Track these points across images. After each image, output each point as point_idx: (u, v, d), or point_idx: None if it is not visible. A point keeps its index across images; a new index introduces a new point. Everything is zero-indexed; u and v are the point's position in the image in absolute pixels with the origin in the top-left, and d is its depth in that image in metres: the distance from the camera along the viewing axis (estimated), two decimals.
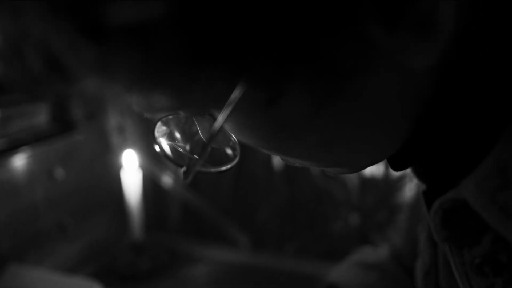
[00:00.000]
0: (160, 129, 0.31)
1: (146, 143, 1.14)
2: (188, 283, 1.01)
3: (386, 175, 1.23)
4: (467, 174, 0.30)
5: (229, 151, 0.33)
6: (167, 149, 0.31)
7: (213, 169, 0.31)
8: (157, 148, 0.30)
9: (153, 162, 1.16)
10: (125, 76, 0.23)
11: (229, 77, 0.23)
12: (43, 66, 0.23)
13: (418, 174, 0.38)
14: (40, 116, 0.97)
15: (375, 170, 1.25)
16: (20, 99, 0.92)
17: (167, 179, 1.18)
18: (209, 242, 1.15)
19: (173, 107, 0.26)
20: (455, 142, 0.31)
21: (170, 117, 0.32)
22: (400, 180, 1.21)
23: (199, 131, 0.32)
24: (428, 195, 0.37)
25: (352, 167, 0.35)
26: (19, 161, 0.88)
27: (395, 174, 1.22)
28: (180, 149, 0.32)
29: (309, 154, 0.31)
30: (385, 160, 0.34)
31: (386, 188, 1.23)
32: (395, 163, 0.34)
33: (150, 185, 1.17)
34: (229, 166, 0.31)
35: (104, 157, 1.11)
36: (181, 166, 0.29)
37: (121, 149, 1.08)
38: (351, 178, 1.22)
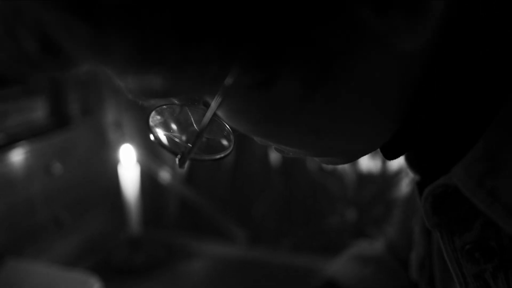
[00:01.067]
0: (154, 118, 0.32)
1: (144, 138, 1.14)
2: (184, 278, 1.01)
3: (383, 170, 1.23)
4: (458, 160, 0.30)
5: (224, 141, 0.33)
6: (161, 138, 0.31)
7: (207, 157, 0.31)
8: (151, 137, 0.30)
9: (150, 157, 1.16)
10: (120, 56, 0.23)
11: (222, 59, 0.24)
12: (37, 47, 0.23)
13: (411, 164, 0.38)
14: (38, 111, 0.97)
15: (371, 165, 1.25)
16: (18, 94, 0.93)
17: (164, 175, 1.18)
18: (205, 237, 1.15)
19: (167, 90, 0.26)
20: (447, 128, 0.31)
21: (165, 107, 0.32)
22: (397, 175, 1.21)
23: (193, 122, 0.33)
24: (421, 185, 0.37)
25: (346, 156, 0.35)
26: (17, 156, 0.88)
27: (392, 169, 1.23)
28: (175, 139, 0.32)
29: (301, 141, 0.31)
30: (379, 150, 0.35)
31: (383, 183, 1.23)
32: (388, 152, 0.34)
33: (148, 180, 1.18)
34: (223, 155, 0.32)
35: (101, 152, 1.12)
36: (176, 154, 0.29)
37: (118, 145, 1.08)
38: (348, 173, 1.23)
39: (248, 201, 1.20)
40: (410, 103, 0.30)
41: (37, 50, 0.23)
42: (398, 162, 1.25)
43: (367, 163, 1.26)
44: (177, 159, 0.29)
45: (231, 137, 0.33)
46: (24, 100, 0.94)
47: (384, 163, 1.24)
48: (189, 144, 0.30)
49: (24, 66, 0.25)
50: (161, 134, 0.32)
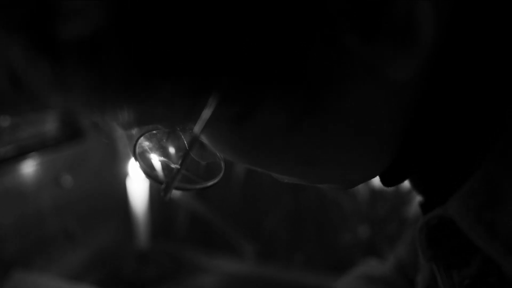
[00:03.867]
0: (143, 144, 0.31)
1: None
2: None
3: (396, 187, 1.21)
4: (455, 190, 0.29)
5: (221, 164, 0.32)
6: (151, 164, 0.31)
7: (191, 186, 0.30)
8: (137, 164, 0.29)
9: None
10: (81, 93, 0.23)
11: (193, 93, 0.22)
12: (6, 81, 0.23)
13: (415, 185, 0.36)
14: (49, 123, 0.97)
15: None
16: (29, 107, 0.93)
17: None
18: (215, 252, 1.14)
19: (138, 123, 0.25)
20: (443, 158, 0.29)
21: (154, 132, 0.31)
22: (411, 192, 1.19)
23: (184, 146, 0.32)
24: (425, 207, 0.36)
25: (342, 184, 0.34)
26: (27, 168, 0.89)
27: (406, 186, 1.20)
28: (168, 164, 0.31)
29: (292, 171, 0.30)
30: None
31: (396, 200, 1.21)
32: (386, 179, 0.33)
33: (157, 193, 1.17)
34: (210, 183, 0.30)
35: (112, 165, 1.12)
36: (160, 183, 0.28)
37: (129, 157, 1.08)
38: (361, 189, 1.21)
39: (259, 215, 1.19)
40: (406, 129, 0.28)
41: (7, 84, 0.23)
42: None
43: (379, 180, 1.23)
44: (161, 189, 0.28)
45: (221, 163, 0.32)
46: (36, 112, 0.95)
47: None
48: (177, 168, 0.28)
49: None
50: (155, 159, 0.31)
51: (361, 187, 1.20)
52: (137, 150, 0.30)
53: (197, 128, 0.24)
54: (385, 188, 1.22)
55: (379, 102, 0.26)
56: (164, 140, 0.31)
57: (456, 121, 0.28)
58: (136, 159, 0.30)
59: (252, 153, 0.27)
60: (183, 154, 0.26)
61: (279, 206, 1.17)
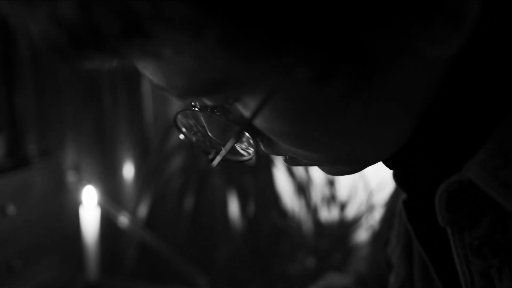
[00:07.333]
0: (181, 121, 0.32)
1: (104, 181, 1.12)
2: None
3: (341, 219, 1.26)
4: (470, 157, 0.32)
5: (243, 147, 0.34)
6: (196, 137, 0.32)
7: (241, 158, 0.32)
8: (181, 136, 0.30)
9: (110, 200, 1.13)
10: (213, 35, 0.23)
11: (294, 55, 0.25)
12: (117, 28, 0.23)
13: (400, 181, 0.40)
14: None
15: (328, 216, 1.28)
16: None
17: (123, 219, 1.14)
18: (167, 284, 1.11)
19: (233, 82, 0.26)
20: (460, 129, 0.33)
21: (188, 112, 0.33)
22: (354, 223, 1.24)
23: (207, 128, 0.33)
24: (408, 204, 0.39)
25: (358, 165, 0.36)
26: None
27: (349, 218, 1.26)
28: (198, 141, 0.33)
29: (327, 144, 0.32)
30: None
31: (340, 231, 1.25)
32: (392, 161, 0.36)
33: (106, 224, 1.14)
34: (249, 157, 0.32)
35: (58, 195, 1.07)
36: (208, 153, 0.29)
37: (76, 187, 1.05)
38: (306, 221, 1.24)
39: (210, 247, 1.18)
40: (426, 108, 0.32)
41: (116, 32, 0.23)
42: (355, 211, 1.29)
43: (325, 213, 1.28)
44: (210, 157, 0.29)
45: (251, 142, 0.33)
46: None
47: (342, 211, 1.27)
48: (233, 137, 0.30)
49: (96, 45, 0.24)
50: (196, 132, 0.32)
51: (306, 219, 1.23)
52: (179, 124, 0.31)
53: (269, 93, 0.26)
54: (329, 220, 1.27)
55: (418, 81, 0.29)
56: (197, 120, 0.33)
57: (476, 96, 0.31)
58: (180, 131, 0.31)
59: (302, 123, 0.29)
60: (250, 115, 0.27)
61: (230, 238, 1.17)
